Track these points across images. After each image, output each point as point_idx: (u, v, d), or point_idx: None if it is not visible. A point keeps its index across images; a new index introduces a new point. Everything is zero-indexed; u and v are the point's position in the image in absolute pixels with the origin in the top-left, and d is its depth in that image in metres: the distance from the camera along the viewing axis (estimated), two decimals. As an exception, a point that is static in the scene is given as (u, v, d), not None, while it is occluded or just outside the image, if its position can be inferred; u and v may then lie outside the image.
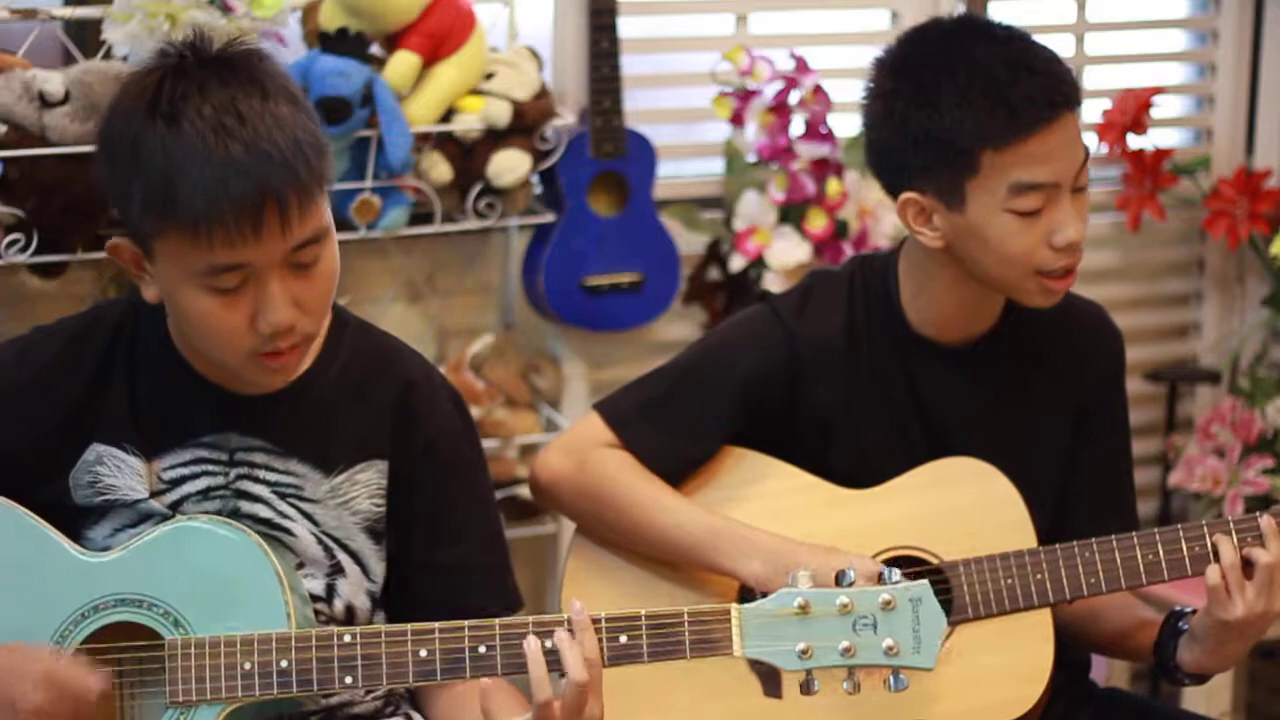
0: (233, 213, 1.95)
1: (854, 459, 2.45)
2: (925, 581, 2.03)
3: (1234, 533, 2.35)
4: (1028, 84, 2.28)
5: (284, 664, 2.03)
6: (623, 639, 2.03)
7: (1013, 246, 2.32)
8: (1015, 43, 2.33)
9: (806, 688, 2.03)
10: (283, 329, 2.03)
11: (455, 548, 2.23)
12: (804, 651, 2.01)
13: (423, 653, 2.04)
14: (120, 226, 2.09)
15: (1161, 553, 2.37)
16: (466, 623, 2.04)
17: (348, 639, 2.04)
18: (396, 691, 2.28)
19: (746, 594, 2.38)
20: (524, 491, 3.35)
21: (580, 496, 2.44)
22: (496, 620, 2.05)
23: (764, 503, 2.43)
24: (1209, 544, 2.35)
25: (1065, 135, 2.30)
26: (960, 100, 2.28)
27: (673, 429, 2.44)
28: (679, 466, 2.44)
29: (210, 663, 2.04)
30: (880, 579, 2.03)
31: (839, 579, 2.04)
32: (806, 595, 2.02)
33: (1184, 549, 2.37)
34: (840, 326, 2.46)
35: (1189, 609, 2.40)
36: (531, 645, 2.01)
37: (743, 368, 2.45)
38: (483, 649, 2.04)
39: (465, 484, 2.26)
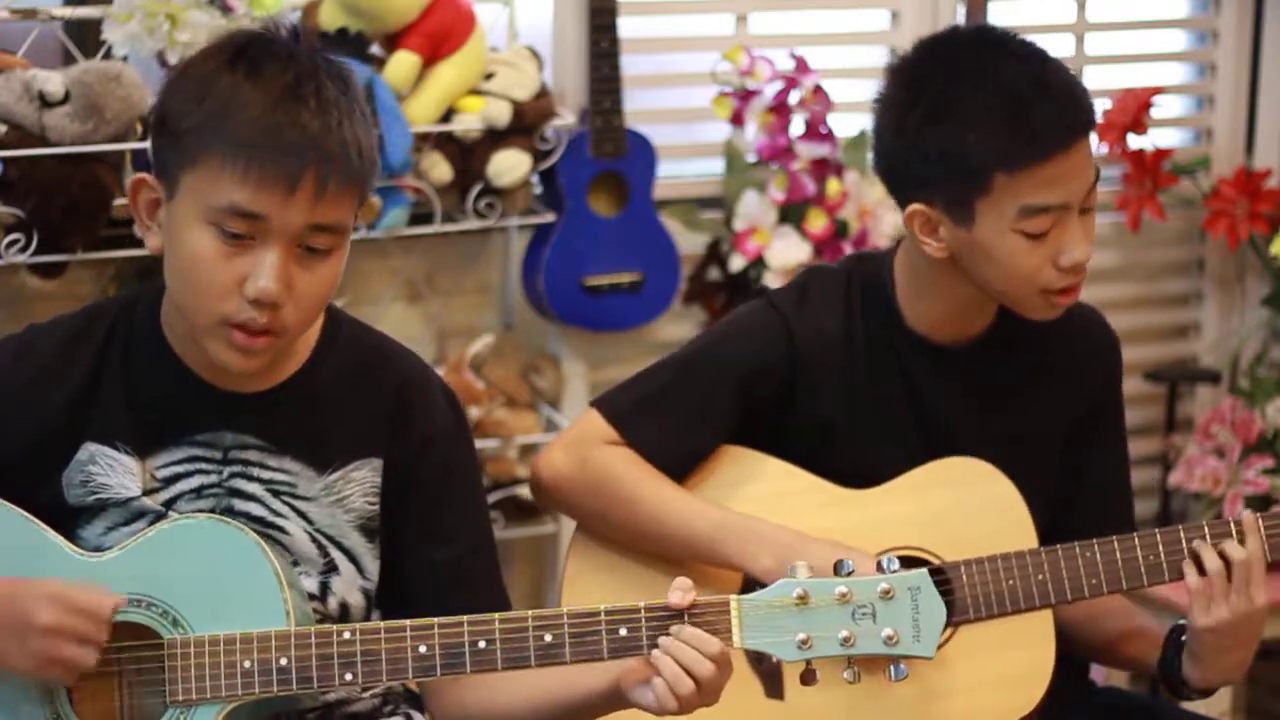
0: (277, 158, 1.97)
1: (853, 458, 2.44)
2: (924, 570, 2.03)
3: (1234, 534, 2.35)
4: (1048, 109, 2.26)
5: (284, 661, 2.03)
6: (622, 631, 2.03)
7: (1019, 266, 2.31)
8: (1035, 62, 2.31)
9: (808, 678, 2.03)
10: (267, 299, 2.01)
11: (447, 547, 2.22)
12: (804, 642, 2.01)
13: (422, 648, 2.03)
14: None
15: (1163, 554, 2.37)
16: (465, 618, 2.04)
17: (347, 635, 2.04)
18: (395, 690, 2.28)
19: (749, 588, 2.37)
20: (524, 491, 3.35)
21: (584, 494, 2.43)
22: (496, 615, 2.04)
23: (763, 502, 2.43)
24: (1193, 550, 2.35)
25: (1079, 159, 2.30)
26: (979, 121, 2.27)
27: (673, 423, 2.43)
28: (681, 461, 2.44)
29: (210, 661, 2.03)
30: (879, 568, 2.03)
31: (837, 569, 2.03)
32: (805, 585, 2.02)
33: (1185, 550, 2.36)
34: (838, 323, 2.46)
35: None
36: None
37: (741, 361, 2.44)
38: (482, 644, 2.03)
39: (459, 483, 2.25)
